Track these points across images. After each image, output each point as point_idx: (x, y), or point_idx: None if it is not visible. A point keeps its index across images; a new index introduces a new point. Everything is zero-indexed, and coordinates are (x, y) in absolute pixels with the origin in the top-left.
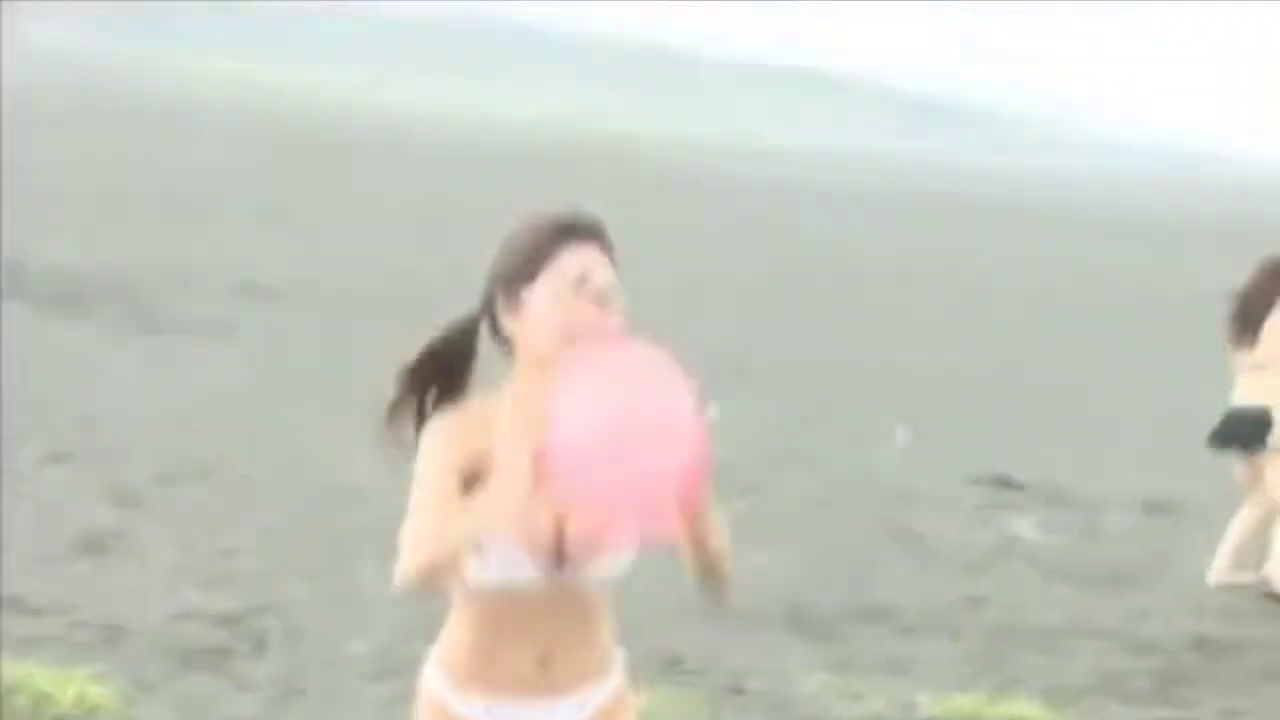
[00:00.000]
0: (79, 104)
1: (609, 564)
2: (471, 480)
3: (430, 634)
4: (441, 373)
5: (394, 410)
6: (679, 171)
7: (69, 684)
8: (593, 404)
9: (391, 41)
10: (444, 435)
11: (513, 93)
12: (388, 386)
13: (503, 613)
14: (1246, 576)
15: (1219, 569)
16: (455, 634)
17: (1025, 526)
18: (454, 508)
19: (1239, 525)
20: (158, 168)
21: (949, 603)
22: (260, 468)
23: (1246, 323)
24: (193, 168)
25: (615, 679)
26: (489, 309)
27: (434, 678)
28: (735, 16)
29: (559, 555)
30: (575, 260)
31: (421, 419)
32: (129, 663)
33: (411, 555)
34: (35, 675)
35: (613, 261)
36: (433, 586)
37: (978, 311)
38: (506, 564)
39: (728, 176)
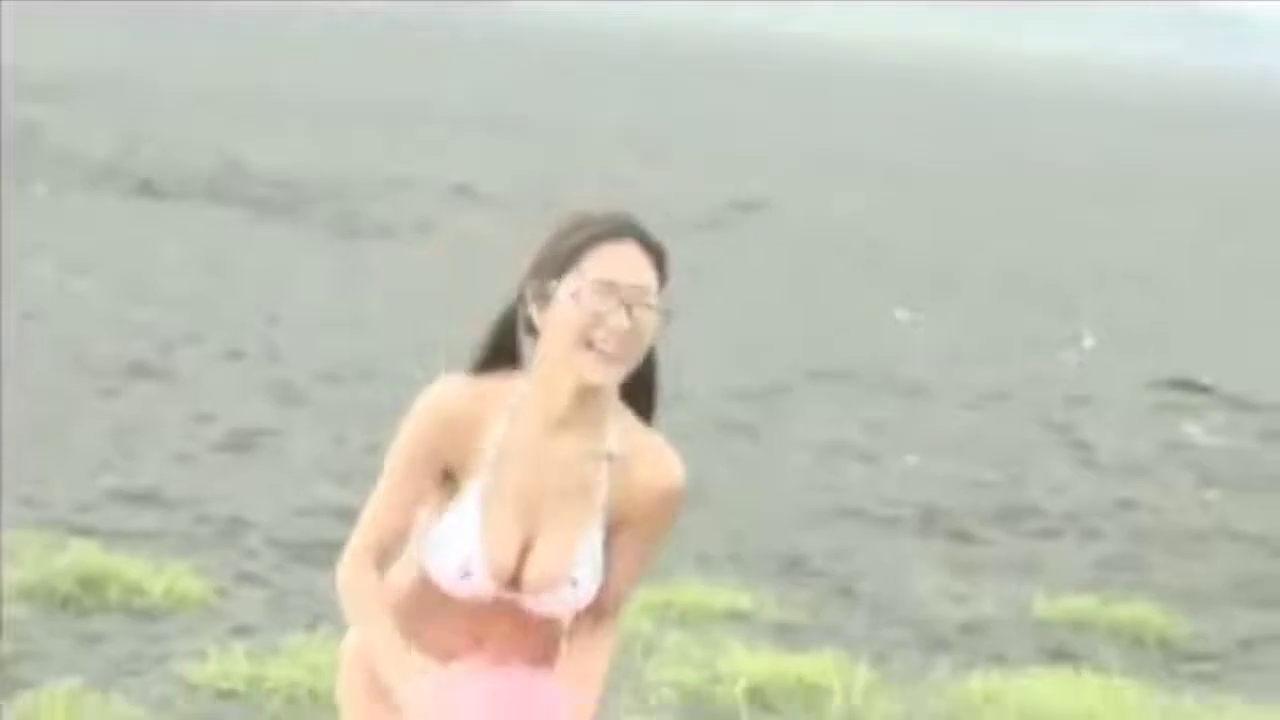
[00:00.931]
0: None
1: (566, 595)
2: (450, 474)
3: None
4: (491, 363)
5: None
6: (921, 74)
7: (161, 576)
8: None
9: None
10: (435, 415)
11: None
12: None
13: (441, 605)
14: None
15: None
16: (398, 593)
17: (1197, 430)
18: (405, 510)
19: None
20: (426, 80)
21: (1095, 505)
22: (428, 369)
23: None
24: (447, 81)
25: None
26: (522, 299)
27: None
28: None
29: (515, 581)
30: (607, 259)
31: None
32: (240, 556)
33: (342, 578)
34: (129, 566)
35: (660, 268)
36: None
37: (1191, 214)
38: (462, 572)
39: (968, 79)
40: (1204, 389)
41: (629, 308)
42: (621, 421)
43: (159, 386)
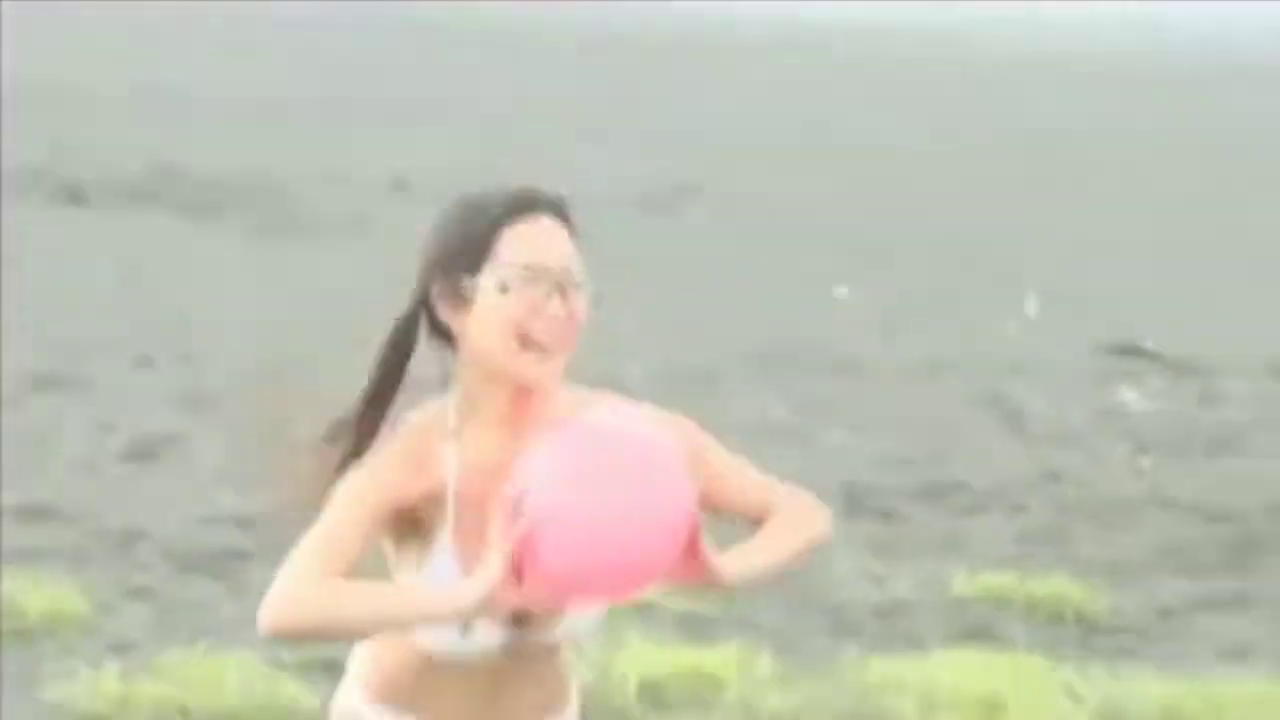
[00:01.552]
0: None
1: (576, 624)
2: (408, 519)
3: None
4: (384, 403)
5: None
6: (867, 52)
7: (41, 594)
8: (575, 476)
9: None
10: (371, 477)
11: None
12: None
13: (445, 669)
14: None
15: None
16: (388, 659)
17: (1134, 396)
18: (351, 553)
19: None
20: (336, 69)
21: (1025, 478)
22: (348, 370)
23: None
24: (365, 68)
25: (570, 714)
26: (424, 302)
27: (355, 696)
28: None
29: (521, 620)
30: (526, 241)
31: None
32: (131, 569)
33: (287, 605)
34: (7, 585)
35: (572, 236)
36: (297, 641)
37: (1136, 175)
38: (461, 629)
39: (906, 52)
40: (1148, 354)
41: (562, 291)
42: (569, 398)
43: (65, 397)
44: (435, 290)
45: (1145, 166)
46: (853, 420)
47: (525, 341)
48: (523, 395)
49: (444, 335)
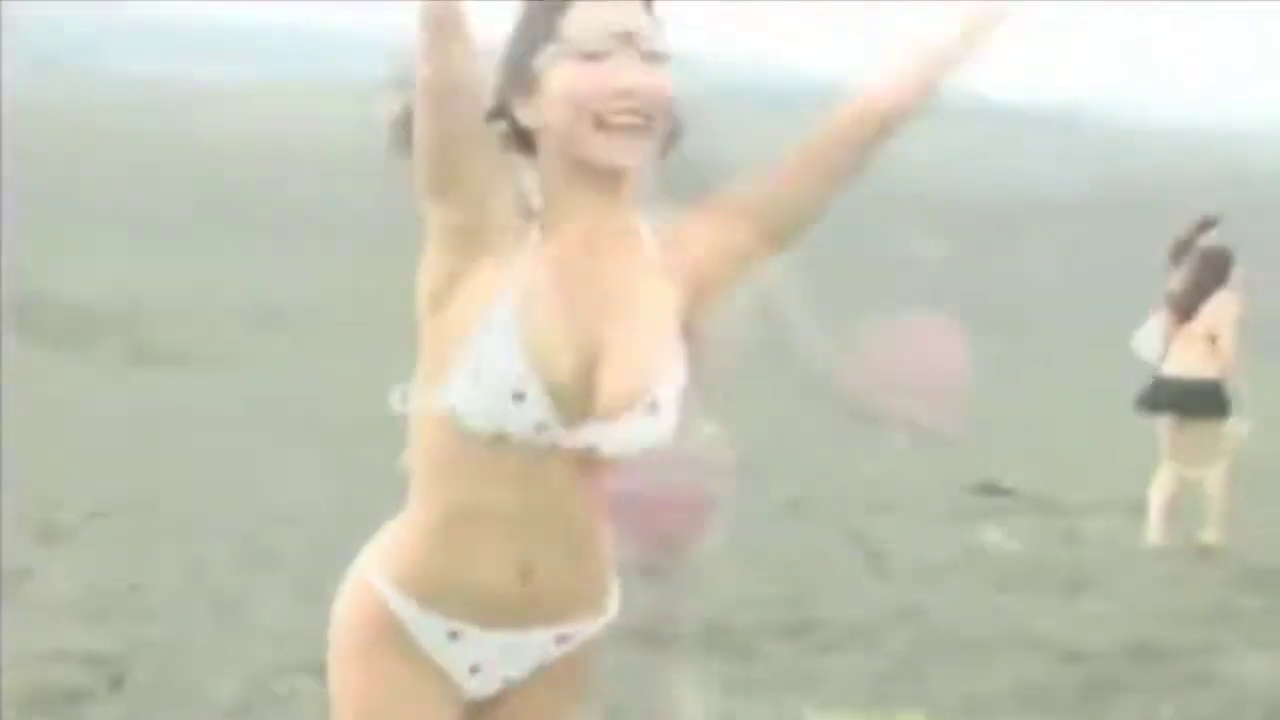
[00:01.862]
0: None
1: (638, 431)
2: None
3: (311, 668)
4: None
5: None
6: None
7: None
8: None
9: None
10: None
11: None
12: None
13: (481, 507)
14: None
15: (1156, 531)
16: (414, 536)
17: (996, 535)
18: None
19: (1168, 486)
20: (191, 193)
21: (883, 616)
22: (207, 500)
23: (1192, 303)
24: (218, 192)
25: (606, 619)
26: (503, 107)
27: (382, 583)
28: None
29: (585, 404)
30: (586, 13)
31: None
32: None
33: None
34: None
35: (649, 7)
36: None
37: (1002, 315)
38: (513, 393)
39: None
40: (1007, 492)
41: (637, 58)
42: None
43: None
44: (510, 90)
45: (1010, 307)
46: (715, 557)
47: (599, 123)
48: (608, 183)
49: (526, 145)
